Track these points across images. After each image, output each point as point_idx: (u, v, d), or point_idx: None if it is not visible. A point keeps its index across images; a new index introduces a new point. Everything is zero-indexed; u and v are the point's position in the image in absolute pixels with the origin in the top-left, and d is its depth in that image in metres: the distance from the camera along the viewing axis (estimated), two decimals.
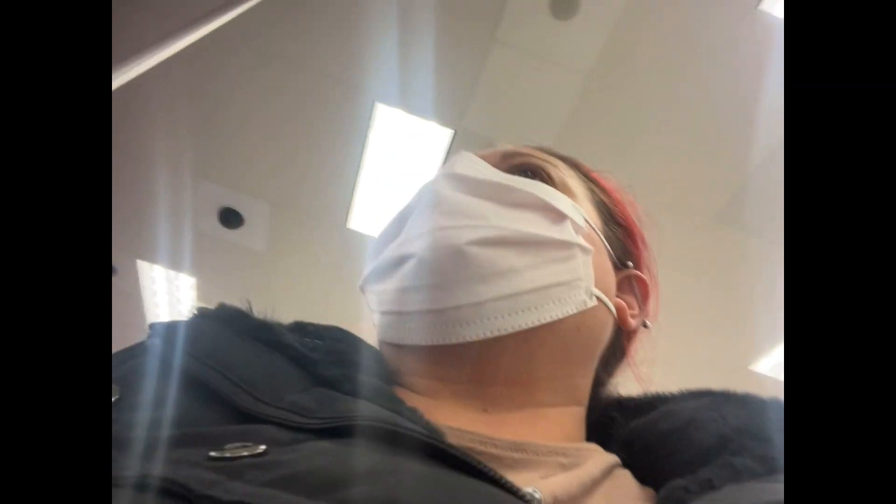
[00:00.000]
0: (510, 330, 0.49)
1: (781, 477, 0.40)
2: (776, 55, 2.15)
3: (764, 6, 2.09)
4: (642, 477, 0.49)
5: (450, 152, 2.53)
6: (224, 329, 0.48)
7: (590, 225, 0.57)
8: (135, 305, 3.35)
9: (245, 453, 0.33)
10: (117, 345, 0.45)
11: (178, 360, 0.42)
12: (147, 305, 3.36)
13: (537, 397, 0.51)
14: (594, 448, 0.50)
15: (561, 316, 0.50)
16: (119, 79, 1.26)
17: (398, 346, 0.53)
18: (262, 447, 0.34)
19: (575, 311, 0.51)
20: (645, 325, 0.60)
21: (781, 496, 0.35)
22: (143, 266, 3.15)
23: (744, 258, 2.74)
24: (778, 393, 0.49)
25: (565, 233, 0.53)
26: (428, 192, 0.56)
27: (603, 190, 0.64)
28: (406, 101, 2.43)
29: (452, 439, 0.42)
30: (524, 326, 0.49)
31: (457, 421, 0.47)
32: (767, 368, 3.14)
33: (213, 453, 0.33)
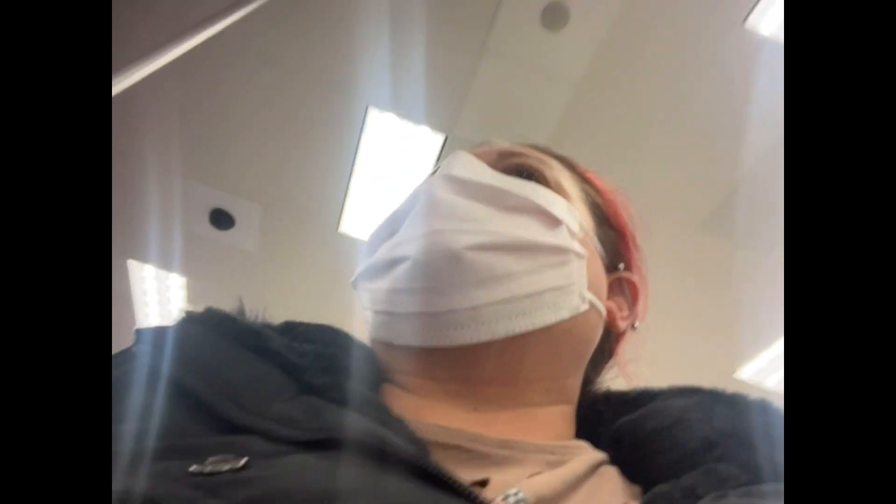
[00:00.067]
0: (504, 334, 0.49)
1: (763, 486, 0.41)
2: (761, 70, 2.18)
3: (750, 24, 2.12)
4: (630, 473, 0.49)
5: (441, 157, 2.53)
6: (211, 335, 0.47)
7: (584, 229, 0.57)
8: (125, 305, 3.32)
9: (226, 468, 0.33)
10: None
11: (164, 368, 0.42)
12: (137, 305, 3.33)
13: (527, 397, 0.51)
14: (582, 445, 0.50)
15: (554, 321, 0.51)
16: (117, 86, 1.26)
17: (390, 345, 0.53)
18: (243, 461, 0.33)
19: (568, 315, 0.51)
20: (633, 327, 0.61)
21: None
22: (134, 266, 3.12)
23: (728, 266, 2.77)
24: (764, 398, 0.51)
25: (561, 238, 0.53)
26: (424, 193, 0.55)
27: (597, 191, 0.64)
28: (398, 106, 2.45)
29: (441, 438, 0.44)
30: (518, 331, 0.49)
31: (446, 419, 0.47)
32: (751, 374, 3.16)
33: (193, 467, 0.32)
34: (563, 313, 0.51)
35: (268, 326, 0.51)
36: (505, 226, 0.52)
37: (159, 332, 0.46)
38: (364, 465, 0.34)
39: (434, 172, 0.63)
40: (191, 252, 3.06)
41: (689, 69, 2.26)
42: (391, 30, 2.24)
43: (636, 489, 0.48)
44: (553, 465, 0.46)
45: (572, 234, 0.54)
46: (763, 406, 0.49)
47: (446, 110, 2.45)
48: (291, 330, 0.52)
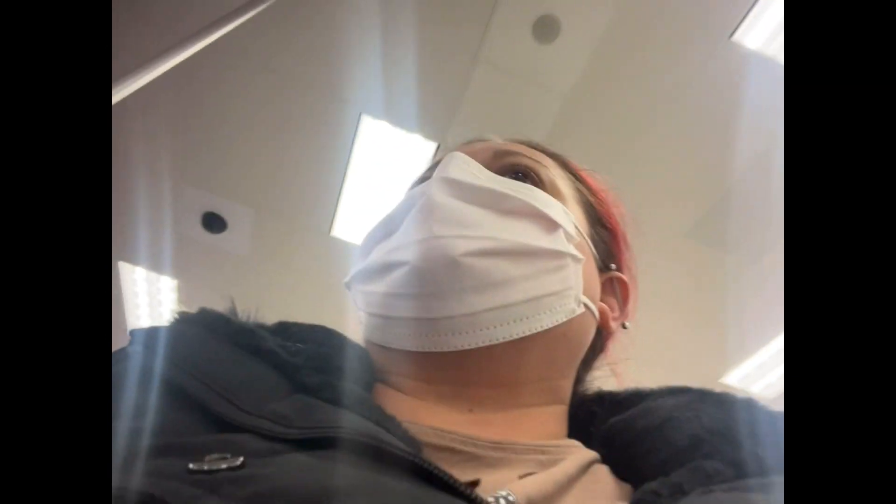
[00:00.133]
0: (501, 339, 0.49)
1: (748, 481, 0.41)
2: (748, 82, 2.22)
3: (736, 38, 2.15)
4: (621, 472, 0.49)
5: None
6: (205, 335, 0.47)
7: (579, 231, 0.57)
8: (116, 306, 3.29)
9: (223, 466, 0.32)
10: None
11: (158, 367, 0.42)
12: (128, 307, 3.31)
13: (522, 399, 0.51)
14: (574, 444, 0.51)
15: (551, 325, 0.51)
16: (116, 95, 1.25)
17: (385, 348, 0.53)
18: (240, 459, 0.33)
19: (564, 319, 0.52)
20: (624, 326, 0.61)
21: None
22: (125, 268, 3.10)
23: (715, 274, 2.80)
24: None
25: (558, 243, 0.53)
26: (422, 196, 0.54)
27: (590, 190, 0.64)
28: (391, 114, 2.46)
29: (435, 440, 0.44)
30: (516, 336, 0.49)
31: (440, 421, 0.47)
32: (737, 380, 3.19)
33: (191, 465, 0.32)
34: (560, 317, 0.51)
35: (261, 327, 0.51)
36: (503, 231, 0.51)
37: (154, 332, 0.46)
38: (359, 463, 0.34)
39: (429, 168, 0.63)
40: (182, 255, 3.05)
41: (677, 81, 2.30)
42: (385, 39, 2.26)
43: (627, 488, 0.48)
44: (545, 464, 0.46)
45: (569, 237, 0.54)
46: (750, 404, 0.50)
47: (439, 119, 2.46)
48: (285, 330, 0.52)
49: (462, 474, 0.38)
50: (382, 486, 0.32)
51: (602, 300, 0.58)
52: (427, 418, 0.46)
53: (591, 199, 0.63)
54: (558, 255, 0.52)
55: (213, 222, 2.92)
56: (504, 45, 2.26)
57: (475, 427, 0.47)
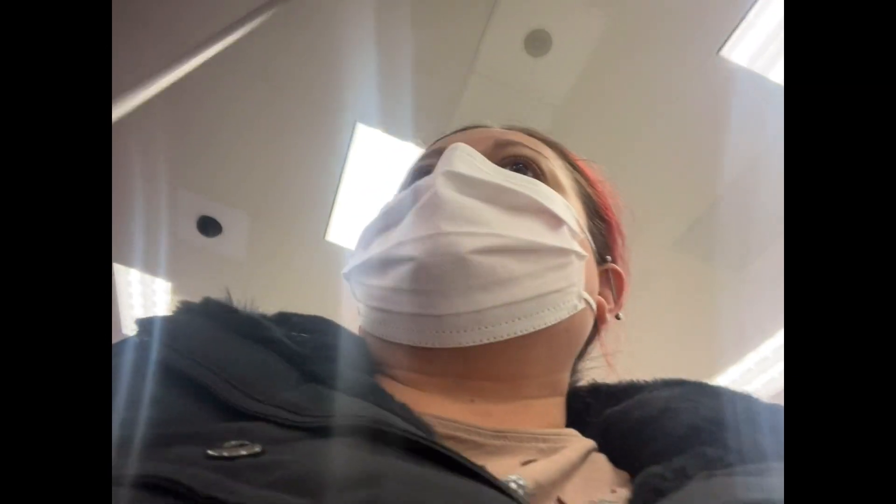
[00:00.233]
0: (506, 336, 0.48)
1: (749, 466, 0.41)
2: (735, 97, 2.24)
3: (724, 53, 2.18)
4: (617, 461, 0.49)
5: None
6: (210, 324, 0.46)
7: (580, 226, 0.56)
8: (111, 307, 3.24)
9: (243, 452, 0.32)
10: None
11: (167, 357, 0.41)
12: (122, 308, 3.30)
13: (524, 392, 0.51)
14: (573, 433, 0.50)
15: (554, 322, 0.50)
16: (117, 109, 1.25)
17: (386, 342, 0.52)
18: (259, 447, 0.32)
19: (567, 316, 0.52)
20: (617, 317, 0.61)
21: (751, 493, 0.36)
22: (120, 269, 3.09)
23: (704, 281, 2.82)
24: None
25: (563, 240, 0.53)
26: (427, 189, 0.52)
27: (588, 181, 0.63)
28: (386, 123, 2.48)
29: (438, 429, 0.43)
30: (520, 333, 0.49)
31: (443, 410, 0.46)
32: (726, 385, 3.15)
33: (210, 452, 0.31)
34: (563, 314, 0.51)
35: (264, 317, 0.49)
36: (510, 228, 0.51)
37: (160, 321, 0.45)
38: (379, 450, 0.34)
39: (426, 155, 0.62)
40: (178, 258, 3.04)
41: (666, 95, 2.33)
42: (380, 50, 2.28)
43: (624, 475, 0.48)
44: (546, 452, 0.46)
45: (573, 233, 0.54)
46: (745, 397, 0.50)
47: (432, 128, 2.43)
48: (287, 320, 0.51)
49: None
50: (402, 471, 0.32)
51: (599, 293, 0.58)
52: (428, 407, 0.45)
53: (589, 190, 0.62)
54: (563, 252, 0.52)
55: (209, 226, 2.91)
56: (497, 58, 2.28)
57: (477, 416, 0.47)
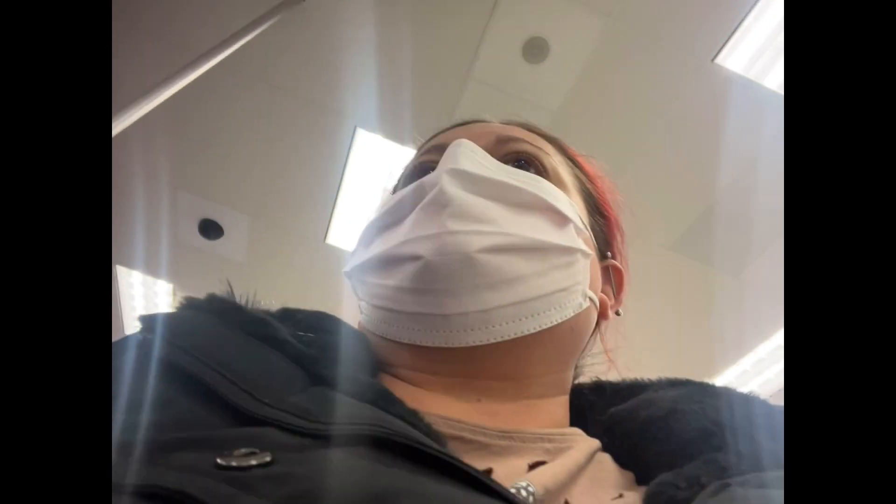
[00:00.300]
0: (513, 336, 0.48)
1: (762, 474, 0.40)
2: (730, 102, 2.24)
3: (719, 60, 2.18)
4: (621, 460, 0.49)
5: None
6: (216, 322, 0.44)
7: (584, 223, 0.56)
8: (113, 308, 3.24)
9: (253, 462, 0.30)
10: None
11: (172, 355, 0.39)
12: (125, 309, 3.30)
13: (530, 391, 0.50)
14: (577, 433, 0.50)
15: (560, 321, 0.50)
16: (123, 121, 1.26)
17: (390, 340, 0.51)
18: (269, 456, 0.31)
19: (572, 314, 0.51)
20: (617, 313, 0.60)
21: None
22: (122, 271, 3.09)
23: (701, 284, 2.82)
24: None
25: (569, 238, 0.52)
26: (432, 186, 0.51)
27: (588, 177, 0.62)
28: (385, 128, 2.48)
29: (444, 429, 0.42)
30: (527, 332, 0.48)
31: (448, 410, 0.46)
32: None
33: (220, 460, 0.30)
34: (568, 312, 0.50)
35: (269, 314, 0.48)
36: (516, 226, 0.50)
37: (164, 318, 0.43)
38: (391, 461, 0.33)
39: (425, 151, 0.61)
40: (179, 260, 3.04)
41: (661, 101, 2.34)
42: (380, 56, 2.29)
43: (629, 475, 0.47)
44: (552, 452, 0.45)
45: (578, 231, 0.53)
46: (751, 399, 0.49)
47: (430, 133, 2.43)
48: (291, 317, 0.49)
49: (472, 463, 0.36)
50: (422, 487, 0.31)
51: (602, 290, 0.58)
52: (434, 407, 0.45)
53: (589, 186, 0.62)
54: (569, 251, 0.51)
55: (210, 228, 2.91)
56: (495, 64, 2.29)
57: (483, 416, 0.46)
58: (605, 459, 0.48)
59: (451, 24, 2.21)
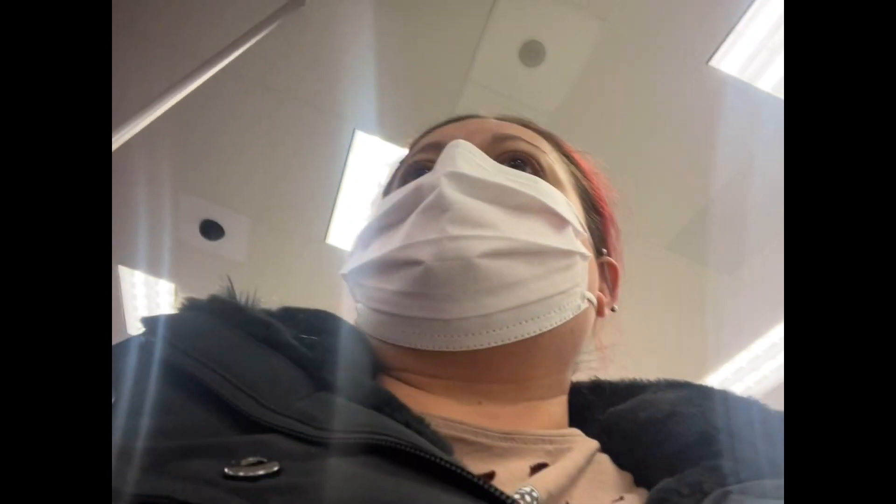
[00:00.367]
0: (514, 339, 0.47)
1: (762, 482, 0.40)
2: (724, 104, 2.24)
3: (713, 62, 2.18)
4: (620, 460, 0.49)
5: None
6: (219, 325, 0.43)
7: (581, 224, 0.55)
8: (116, 308, 3.25)
9: (261, 472, 0.29)
10: None
11: (175, 358, 0.38)
12: (127, 309, 3.30)
13: (530, 393, 0.50)
14: (577, 433, 0.49)
15: (560, 323, 0.49)
16: (126, 131, 1.26)
17: (391, 344, 0.50)
18: (276, 465, 0.30)
19: (571, 316, 0.50)
20: (612, 310, 0.59)
21: None
22: (124, 271, 3.09)
23: (696, 283, 2.81)
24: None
25: (568, 241, 0.51)
26: (431, 190, 0.50)
27: (583, 173, 0.62)
28: (383, 130, 2.48)
29: (446, 430, 0.42)
30: (527, 336, 0.47)
31: (450, 412, 0.45)
32: (716, 384, 3.14)
33: (227, 470, 0.29)
34: (568, 315, 0.50)
35: (271, 314, 0.47)
36: (516, 230, 0.49)
37: (166, 320, 0.42)
38: (400, 472, 0.32)
39: (419, 149, 0.59)
40: (181, 260, 3.03)
41: (657, 103, 2.33)
42: (378, 60, 2.28)
43: (628, 476, 0.47)
44: (553, 454, 0.45)
45: (576, 233, 0.53)
46: (750, 403, 0.49)
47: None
48: (292, 317, 0.48)
49: (475, 465, 0.37)
50: (432, 498, 0.31)
51: (598, 286, 0.57)
52: (436, 409, 0.44)
53: (585, 182, 0.61)
54: (568, 254, 0.51)
55: (211, 229, 2.91)
56: (492, 68, 2.29)
57: (484, 418, 0.46)
58: (604, 461, 0.48)
59: (448, 27, 2.21)
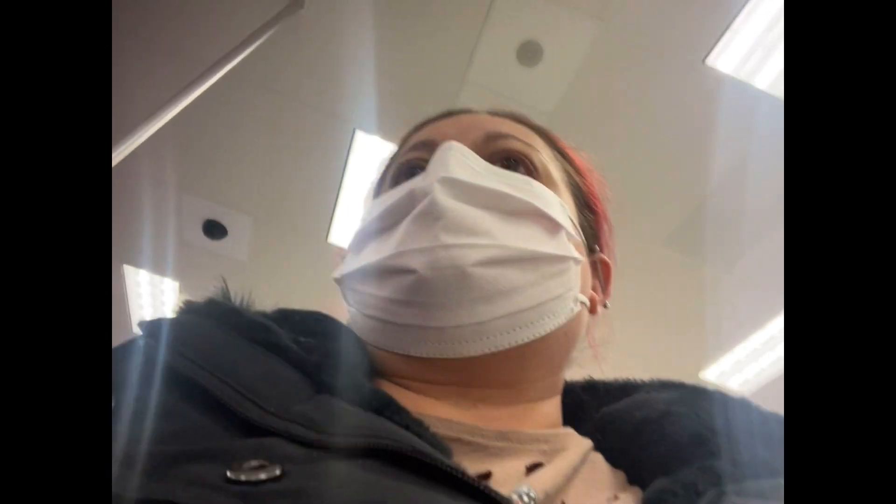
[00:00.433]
0: (508, 346, 0.46)
1: (757, 482, 0.40)
2: (720, 102, 2.24)
3: (709, 61, 2.17)
4: (613, 459, 0.48)
5: None
6: (216, 328, 0.42)
7: (574, 225, 0.54)
8: (121, 306, 3.25)
9: (263, 476, 0.29)
10: None
11: (175, 362, 0.37)
12: (132, 307, 3.31)
13: (525, 395, 0.50)
14: (570, 433, 0.49)
15: (554, 328, 0.49)
16: (131, 141, 1.26)
17: (386, 350, 0.49)
18: (278, 469, 0.30)
19: (565, 321, 0.50)
20: (605, 306, 0.59)
21: None
22: (129, 270, 3.11)
23: (693, 278, 2.81)
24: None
25: (561, 246, 0.50)
26: (424, 196, 0.49)
27: (577, 170, 0.61)
28: (383, 129, 2.49)
29: (442, 430, 0.41)
30: (521, 342, 0.47)
31: (445, 413, 0.45)
32: (714, 376, 3.22)
33: (230, 474, 0.29)
34: (561, 319, 0.49)
35: (266, 316, 0.47)
36: (510, 237, 0.48)
37: (164, 324, 0.41)
38: (401, 475, 0.32)
39: (412, 147, 0.58)
40: (184, 259, 3.03)
41: (654, 101, 2.33)
42: (377, 60, 2.28)
43: (621, 475, 0.47)
44: (548, 453, 0.45)
45: (570, 237, 0.52)
46: (742, 404, 0.48)
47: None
48: (287, 319, 0.48)
49: (471, 465, 0.36)
50: (435, 501, 0.30)
51: (590, 285, 0.57)
52: (432, 410, 0.44)
53: (578, 179, 0.60)
54: (562, 259, 0.50)
55: (214, 229, 2.92)
56: (489, 68, 2.29)
57: (480, 419, 0.46)
58: (598, 459, 0.48)
59: (446, 29, 2.21)
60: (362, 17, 2.18)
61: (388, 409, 0.39)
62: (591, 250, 0.57)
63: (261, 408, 0.35)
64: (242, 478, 0.29)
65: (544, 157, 0.56)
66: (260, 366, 0.40)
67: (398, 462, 0.32)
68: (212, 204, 2.80)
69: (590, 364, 0.59)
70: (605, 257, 0.59)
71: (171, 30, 2.23)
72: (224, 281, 0.47)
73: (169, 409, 0.35)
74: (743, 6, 2.01)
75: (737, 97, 2.21)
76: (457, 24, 2.19)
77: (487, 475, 0.39)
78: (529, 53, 2.21)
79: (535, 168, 0.55)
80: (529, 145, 0.56)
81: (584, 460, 0.46)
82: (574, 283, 0.51)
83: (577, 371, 0.58)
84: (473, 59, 2.25)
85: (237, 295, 0.47)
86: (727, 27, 2.06)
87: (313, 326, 0.47)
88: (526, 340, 0.47)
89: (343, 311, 0.54)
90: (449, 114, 0.63)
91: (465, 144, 0.53)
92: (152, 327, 0.41)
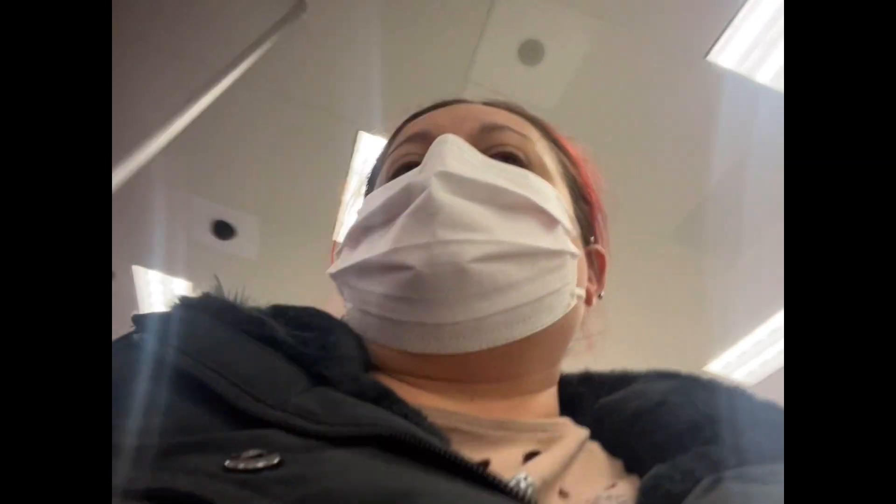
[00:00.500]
0: (506, 341, 0.46)
1: (753, 468, 0.39)
2: (722, 97, 2.22)
3: (711, 57, 2.16)
4: (611, 449, 0.48)
5: None
6: (212, 322, 0.42)
7: (571, 220, 0.53)
8: (131, 306, 3.25)
9: (261, 464, 0.29)
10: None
11: (171, 357, 0.37)
12: (143, 307, 3.29)
13: (522, 388, 0.49)
14: (567, 422, 0.49)
15: (551, 323, 0.48)
16: (135, 155, 1.28)
17: (383, 346, 0.49)
18: (277, 457, 0.29)
19: (562, 315, 0.49)
20: (599, 297, 0.58)
21: None
22: (139, 271, 3.14)
23: (699, 271, 2.81)
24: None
25: (558, 241, 0.50)
26: (421, 191, 0.47)
27: (572, 161, 0.60)
28: (387, 130, 2.39)
29: (440, 420, 0.40)
30: (518, 337, 0.46)
31: (444, 404, 0.45)
32: (719, 368, 3.22)
33: (228, 463, 0.29)
34: (558, 313, 0.49)
35: (261, 312, 0.46)
36: (507, 232, 0.47)
37: (159, 318, 0.41)
38: (401, 462, 0.32)
39: (406, 139, 0.57)
40: (194, 259, 3.06)
41: (655, 98, 2.32)
42: (380, 63, 2.28)
43: (618, 464, 0.47)
44: (545, 442, 0.44)
45: (566, 231, 0.51)
46: (737, 392, 0.48)
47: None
48: (282, 314, 0.47)
49: (469, 453, 0.35)
50: (436, 487, 0.30)
51: (587, 277, 0.56)
52: (429, 402, 0.44)
53: (573, 170, 0.59)
54: (558, 254, 0.49)
55: (223, 230, 2.93)
56: (491, 67, 2.28)
57: (477, 410, 0.45)
58: (595, 448, 0.47)
59: (448, 28, 2.21)
60: (364, 20, 2.19)
61: (385, 399, 0.38)
62: (586, 241, 0.57)
63: (258, 400, 0.35)
64: (241, 466, 0.28)
65: (539, 148, 0.55)
66: (256, 359, 0.39)
67: (398, 450, 0.32)
68: (221, 206, 2.82)
69: (584, 354, 0.58)
70: (600, 248, 0.59)
71: (176, 35, 2.24)
72: (217, 280, 0.46)
73: (166, 402, 0.34)
74: (744, 2, 1.99)
75: (739, 92, 2.20)
76: (458, 24, 2.19)
77: (486, 463, 0.39)
78: (531, 52, 2.20)
79: (530, 160, 0.54)
80: (525, 136, 0.55)
81: (581, 448, 0.45)
82: (571, 277, 0.50)
83: (574, 361, 0.57)
84: (475, 58, 2.25)
85: (230, 291, 0.46)
86: (728, 23, 2.04)
87: (308, 321, 0.46)
88: (523, 335, 0.46)
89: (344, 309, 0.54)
90: (443, 104, 0.61)
91: (461, 135, 0.52)
92: (145, 322, 0.40)
